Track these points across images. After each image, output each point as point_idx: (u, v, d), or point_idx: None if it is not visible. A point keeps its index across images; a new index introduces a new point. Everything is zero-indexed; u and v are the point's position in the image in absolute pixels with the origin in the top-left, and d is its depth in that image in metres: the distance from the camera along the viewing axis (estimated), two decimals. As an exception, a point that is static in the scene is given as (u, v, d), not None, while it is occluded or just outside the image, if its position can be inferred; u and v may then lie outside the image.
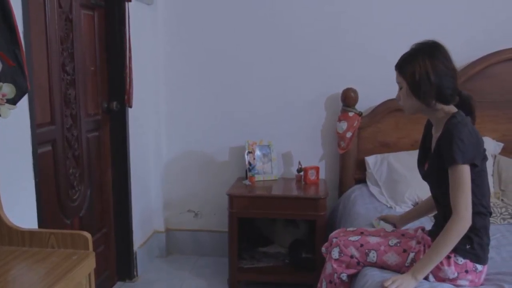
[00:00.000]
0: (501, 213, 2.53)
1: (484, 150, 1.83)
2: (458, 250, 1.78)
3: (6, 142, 1.71)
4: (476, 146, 1.76)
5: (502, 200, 2.71)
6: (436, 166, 1.85)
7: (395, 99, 1.99)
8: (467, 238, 1.77)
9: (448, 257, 1.78)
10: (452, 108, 1.86)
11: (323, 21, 3.17)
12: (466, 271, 1.79)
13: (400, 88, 1.91)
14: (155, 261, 3.42)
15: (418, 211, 2.28)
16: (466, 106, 1.88)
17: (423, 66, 1.80)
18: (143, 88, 3.08)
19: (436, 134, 1.90)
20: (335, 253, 2.05)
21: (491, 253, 2.13)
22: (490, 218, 2.48)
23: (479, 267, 1.81)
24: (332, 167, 3.30)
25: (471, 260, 1.79)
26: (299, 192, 2.96)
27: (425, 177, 1.97)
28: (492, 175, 2.82)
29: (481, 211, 1.81)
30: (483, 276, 1.84)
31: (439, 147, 1.81)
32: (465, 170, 1.72)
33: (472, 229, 1.77)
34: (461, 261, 1.79)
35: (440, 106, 1.85)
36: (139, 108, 3.01)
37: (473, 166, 1.74)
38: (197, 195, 3.49)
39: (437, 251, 1.75)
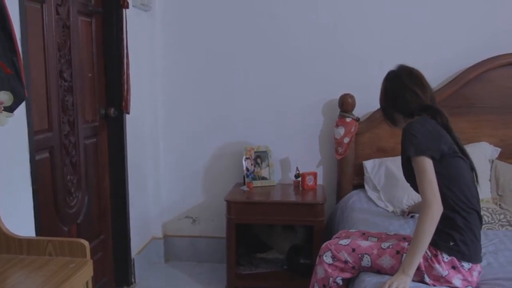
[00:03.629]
0: (499, 220, 2.53)
1: (452, 147, 1.91)
2: (442, 247, 1.83)
3: (3, 149, 1.71)
4: (432, 141, 1.87)
5: (499, 205, 2.71)
6: (406, 167, 1.98)
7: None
8: (448, 235, 1.84)
9: (436, 255, 1.83)
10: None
11: (320, 28, 3.18)
12: (454, 267, 1.82)
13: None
14: (153, 268, 3.41)
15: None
16: (437, 115, 1.99)
17: (381, 90, 2.13)
18: (140, 95, 3.08)
19: None
20: (327, 258, 2.07)
21: (490, 258, 2.14)
22: (488, 224, 2.50)
23: (465, 264, 1.83)
24: (330, 172, 3.31)
25: (457, 258, 1.83)
26: (297, 198, 2.96)
27: (406, 180, 2.09)
28: (490, 180, 2.83)
29: (461, 207, 1.85)
30: (475, 274, 1.86)
31: (402, 149, 1.95)
32: (423, 161, 1.84)
33: (453, 226, 1.84)
34: (446, 258, 1.83)
35: (407, 120, 2.02)
36: (137, 115, 3.01)
37: (432, 159, 1.84)
38: (195, 201, 3.48)
39: (417, 242, 1.80)
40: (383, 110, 2.14)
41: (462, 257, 1.82)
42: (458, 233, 1.83)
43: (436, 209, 1.78)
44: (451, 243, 1.83)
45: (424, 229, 1.78)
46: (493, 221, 2.51)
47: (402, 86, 2.02)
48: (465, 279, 1.83)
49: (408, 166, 1.94)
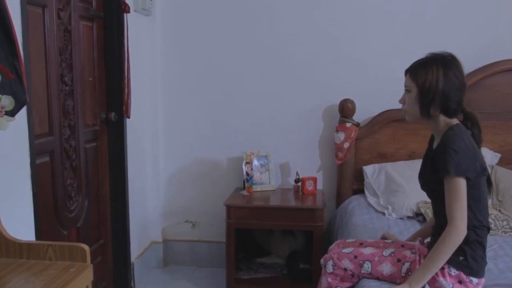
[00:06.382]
0: (502, 226, 2.53)
1: (482, 165, 1.81)
2: (451, 261, 1.78)
3: (4, 153, 1.71)
4: (471, 160, 1.75)
5: (500, 210, 2.71)
6: (432, 177, 1.86)
7: (399, 101, 1.97)
8: (460, 249, 1.78)
9: (442, 268, 1.79)
10: (453, 121, 1.86)
11: (320, 34, 3.19)
12: (460, 282, 1.78)
13: (408, 91, 1.90)
14: (152, 272, 3.40)
15: (421, 234, 2.22)
16: (470, 122, 1.88)
17: (436, 75, 1.80)
18: (141, 99, 3.08)
19: (435, 145, 1.91)
20: (329, 267, 2.06)
21: (489, 264, 2.13)
22: (491, 231, 2.49)
23: (474, 280, 1.80)
24: (330, 177, 3.31)
25: (465, 273, 1.79)
26: (296, 203, 2.96)
27: (423, 186, 1.99)
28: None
29: (475, 225, 1.80)
30: None
31: (435, 158, 1.82)
32: (460, 182, 1.73)
33: (465, 241, 1.77)
34: (454, 272, 1.79)
35: (442, 118, 1.85)
36: (137, 119, 3.01)
37: (466, 179, 1.74)
38: (194, 205, 3.48)
39: (432, 262, 1.75)
40: (424, 98, 1.83)
41: (470, 272, 1.79)
42: (470, 248, 1.79)
43: (461, 235, 1.72)
44: (461, 258, 1.79)
45: (442, 250, 1.73)
46: (496, 228, 2.51)
47: (459, 80, 1.81)
48: None
49: (434, 178, 1.83)
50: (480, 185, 1.82)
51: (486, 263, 1.87)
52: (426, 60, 1.86)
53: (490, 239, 2.40)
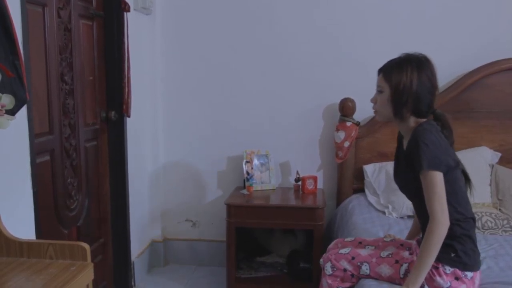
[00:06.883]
0: (502, 225, 2.53)
1: (455, 160, 1.83)
2: (443, 259, 1.79)
3: (4, 152, 1.71)
4: (442, 154, 1.76)
5: (500, 209, 2.71)
6: (408, 176, 1.87)
7: (370, 101, 2.00)
8: (449, 246, 1.79)
9: (437, 268, 1.79)
10: (422, 120, 1.87)
11: (320, 33, 3.19)
12: (457, 279, 1.79)
13: (380, 92, 1.92)
14: (152, 271, 3.40)
15: (412, 234, 2.24)
16: (440, 123, 1.89)
17: (410, 76, 1.81)
18: (141, 98, 3.08)
19: (405, 144, 1.91)
20: (328, 269, 2.05)
21: (489, 263, 2.14)
22: (491, 230, 2.50)
23: (469, 274, 1.80)
24: (330, 176, 3.31)
25: (459, 268, 1.79)
26: (297, 202, 2.96)
27: (401, 188, 2.00)
28: (490, 185, 2.83)
29: (458, 219, 1.81)
30: (477, 282, 1.84)
31: (408, 156, 1.83)
32: (436, 175, 1.74)
33: (453, 237, 1.79)
34: (449, 270, 1.79)
35: (413, 119, 1.88)
36: (137, 118, 3.01)
37: (442, 172, 1.75)
38: (195, 204, 3.48)
39: (423, 260, 1.75)
40: (398, 99, 1.84)
41: (465, 267, 1.79)
42: (459, 243, 1.80)
43: (444, 227, 1.72)
44: (452, 254, 1.79)
45: (429, 246, 1.73)
46: (496, 227, 2.51)
47: (432, 83, 1.82)
48: None
49: (409, 176, 1.85)
50: (456, 179, 1.83)
51: (479, 254, 1.87)
52: (400, 60, 1.87)
53: (491, 239, 2.42)
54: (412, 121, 1.88)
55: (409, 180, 1.88)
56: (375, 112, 1.99)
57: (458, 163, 1.84)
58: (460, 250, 1.79)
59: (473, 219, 1.86)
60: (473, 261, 1.82)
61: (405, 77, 1.81)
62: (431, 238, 1.73)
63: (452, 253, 1.80)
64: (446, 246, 1.78)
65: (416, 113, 1.85)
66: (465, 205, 1.85)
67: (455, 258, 1.79)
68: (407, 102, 1.82)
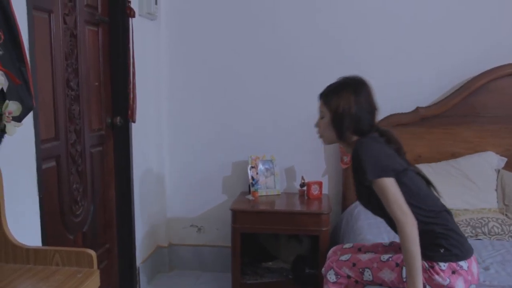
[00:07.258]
0: (509, 231, 2.52)
1: (401, 163, 1.87)
2: (435, 257, 1.81)
3: (10, 158, 1.71)
4: (384, 160, 1.82)
5: (506, 215, 2.70)
6: (365, 192, 1.92)
7: (315, 126, 2.05)
8: (435, 245, 1.82)
9: (432, 267, 1.81)
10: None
11: (323, 38, 3.19)
12: (454, 272, 1.80)
13: (322, 118, 1.99)
14: (158, 277, 3.40)
15: None
16: (386, 137, 1.95)
17: (347, 101, 1.89)
18: (146, 103, 3.09)
19: None
20: (331, 276, 2.05)
21: (497, 268, 2.14)
22: (498, 235, 2.48)
23: (464, 264, 1.81)
24: (335, 182, 3.30)
25: (453, 261, 1.81)
26: (302, 207, 2.95)
27: (365, 206, 2.02)
28: (496, 190, 2.82)
29: (430, 216, 1.83)
30: (475, 271, 1.85)
31: (355, 172, 1.90)
32: (384, 181, 1.78)
33: (435, 236, 1.82)
34: (444, 265, 1.80)
35: (355, 137, 1.94)
36: (142, 123, 3.02)
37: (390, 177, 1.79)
38: (200, 210, 3.48)
39: (408, 262, 1.76)
40: (338, 123, 1.91)
41: (457, 258, 1.81)
42: (443, 239, 1.82)
43: (410, 226, 1.74)
44: (442, 250, 1.81)
45: (409, 248, 1.74)
46: (502, 233, 2.50)
47: (370, 104, 1.92)
48: (466, 281, 1.81)
49: (365, 190, 1.90)
50: (412, 181, 1.87)
51: (466, 239, 1.88)
52: (338, 86, 1.97)
53: (497, 244, 2.41)
54: (356, 139, 1.94)
55: (367, 195, 1.92)
56: (320, 136, 2.05)
57: (406, 165, 1.88)
58: (447, 245, 1.81)
59: (446, 211, 1.89)
60: (463, 250, 1.83)
61: (343, 101, 1.90)
62: (404, 241, 1.75)
63: (440, 249, 1.82)
64: (433, 245, 1.81)
65: (358, 133, 1.92)
66: (431, 202, 1.88)
67: (445, 253, 1.81)
68: (348, 124, 1.90)
